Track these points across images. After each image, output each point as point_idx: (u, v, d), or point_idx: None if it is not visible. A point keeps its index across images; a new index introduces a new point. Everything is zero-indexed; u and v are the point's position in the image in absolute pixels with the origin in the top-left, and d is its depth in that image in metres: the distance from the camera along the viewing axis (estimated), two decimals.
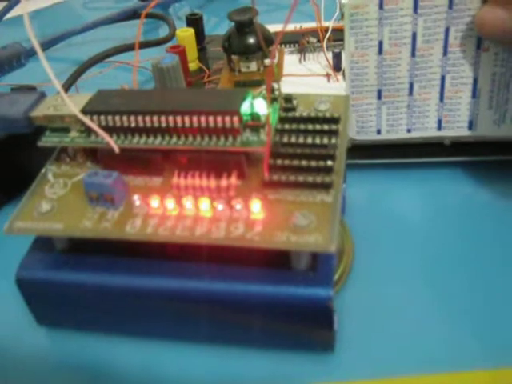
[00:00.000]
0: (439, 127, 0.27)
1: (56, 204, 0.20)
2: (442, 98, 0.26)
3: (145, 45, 0.39)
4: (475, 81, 0.25)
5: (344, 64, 0.26)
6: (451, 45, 0.25)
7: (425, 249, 0.24)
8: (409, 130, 0.27)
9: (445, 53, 0.25)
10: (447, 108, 0.26)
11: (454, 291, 0.22)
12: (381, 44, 0.25)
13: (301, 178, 0.19)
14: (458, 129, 0.27)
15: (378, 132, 0.27)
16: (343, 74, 0.33)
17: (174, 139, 0.20)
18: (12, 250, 0.21)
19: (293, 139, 0.20)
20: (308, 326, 0.20)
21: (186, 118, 0.20)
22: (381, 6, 0.24)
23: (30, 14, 0.18)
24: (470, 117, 0.26)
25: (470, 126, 0.26)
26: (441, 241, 0.24)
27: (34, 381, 0.21)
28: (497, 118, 0.26)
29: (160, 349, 0.21)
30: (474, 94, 0.26)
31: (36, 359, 0.21)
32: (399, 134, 0.27)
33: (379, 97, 0.26)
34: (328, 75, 0.33)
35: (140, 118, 0.20)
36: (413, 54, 0.25)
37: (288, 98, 0.22)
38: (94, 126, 0.20)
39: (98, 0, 0.57)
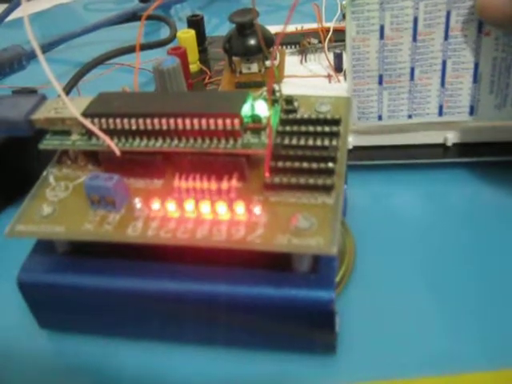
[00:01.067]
0: (440, 113, 0.27)
1: (57, 207, 0.20)
2: (443, 83, 0.26)
3: (146, 47, 0.39)
4: (476, 65, 0.25)
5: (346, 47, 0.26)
6: (452, 29, 0.25)
7: (426, 250, 0.24)
8: (410, 116, 0.27)
9: (446, 37, 0.25)
10: (448, 93, 0.26)
11: (456, 293, 0.22)
12: (382, 29, 0.25)
13: (302, 180, 0.19)
14: (458, 114, 0.27)
15: (379, 118, 0.27)
16: (344, 75, 0.33)
17: (175, 142, 0.20)
18: (13, 253, 0.21)
19: (294, 141, 0.20)
20: (310, 328, 0.19)
21: (187, 121, 0.20)
22: None
23: (30, 16, 0.19)
24: (470, 102, 0.26)
25: (471, 111, 0.26)
26: (443, 242, 0.24)
27: None
28: (498, 102, 0.26)
29: (162, 351, 0.21)
30: (475, 78, 0.26)
31: (38, 362, 0.21)
32: (400, 119, 0.27)
33: (380, 82, 0.26)
34: (329, 76, 0.33)
35: (141, 120, 0.20)
36: (414, 39, 0.25)
37: (289, 100, 0.22)
38: (95, 129, 0.20)
39: (99, 2, 0.58)
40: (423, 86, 0.26)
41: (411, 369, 0.20)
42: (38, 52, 0.19)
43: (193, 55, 0.36)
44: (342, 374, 0.20)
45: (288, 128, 0.21)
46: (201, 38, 0.39)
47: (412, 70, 0.26)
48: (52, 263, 0.21)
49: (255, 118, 0.20)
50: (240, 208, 0.19)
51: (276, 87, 0.22)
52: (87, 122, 0.20)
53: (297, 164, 0.20)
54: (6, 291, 0.22)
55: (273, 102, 0.22)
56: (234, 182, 0.20)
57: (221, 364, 0.20)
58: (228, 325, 0.20)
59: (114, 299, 0.20)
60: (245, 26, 0.32)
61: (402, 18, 0.25)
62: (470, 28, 0.25)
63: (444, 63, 0.26)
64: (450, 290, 0.22)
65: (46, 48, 0.41)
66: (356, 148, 0.28)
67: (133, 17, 0.46)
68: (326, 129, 0.21)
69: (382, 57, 0.26)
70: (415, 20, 0.25)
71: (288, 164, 0.20)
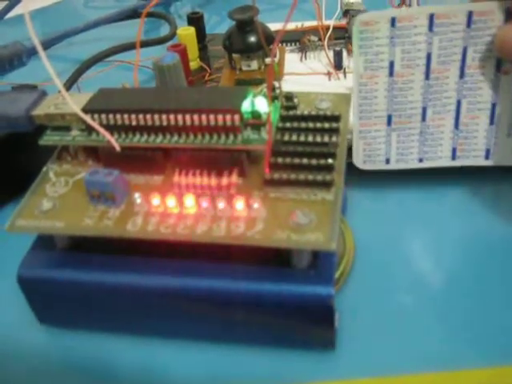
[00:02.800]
0: (453, 156, 0.25)
1: (57, 202, 0.20)
2: (457, 125, 0.24)
3: (146, 44, 0.39)
4: (493, 106, 0.24)
5: (352, 85, 0.24)
6: (469, 66, 0.23)
7: (426, 247, 0.24)
8: (420, 160, 0.25)
9: (461, 75, 0.23)
10: (463, 135, 0.24)
11: (455, 290, 0.22)
12: (392, 65, 0.23)
13: (302, 176, 0.19)
14: (473, 158, 0.25)
15: (387, 161, 0.25)
16: (344, 73, 0.33)
17: (175, 137, 0.20)
18: (13, 249, 0.21)
19: (294, 137, 0.20)
20: (309, 324, 0.20)
21: (187, 117, 0.20)
22: (393, 24, 0.22)
23: (31, 13, 0.18)
24: (487, 145, 0.24)
25: (487, 154, 0.25)
26: (442, 239, 0.24)
27: (35, 380, 0.21)
28: None
29: (162, 347, 0.21)
30: (492, 120, 0.24)
31: (37, 358, 0.21)
32: (410, 163, 0.25)
33: (389, 123, 0.24)
34: (329, 73, 0.33)
35: (141, 116, 0.20)
36: (427, 77, 0.23)
37: (289, 97, 0.22)
38: (95, 125, 0.20)
39: None
40: (436, 128, 0.24)
41: (410, 365, 0.20)
42: (39, 48, 0.19)
43: (193, 52, 0.36)
44: (341, 370, 0.20)
45: (288, 124, 0.21)
46: (201, 35, 0.39)
47: (424, 110, 0.24)
48: (52, 259, 0.21)
49: (255, 114, 0.20)
50: (240, 204, 0.19)
51: (276, 84, 0.22)
52: (87, 118, 0.20)
53: (296, 160, 0.20)
54: (5, 287, 0.22)
55: (273, 98, 0.22)
56: (234, 178, 0.20)
57: (220, 359, 0.20)
58: (227, 320, 0.20)
59: (114, 295, 0.20)
60: (245, 23, 0.32)
61: (413, 54, 0.23)
62: (488, 65, 0.23)
63: (459, 103, 0.24)
64: (449, 286, 0.22)
65: (46, 45, 0.41)
66: None
67: (133, 14, 0.46)
68: (326, 125, 0.21)
69: (392, 95, 0.24)
70: (428, 56, 0.23)
71: (288, 160, 0.20)
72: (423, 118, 0.24)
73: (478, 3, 0.22)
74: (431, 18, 0.22)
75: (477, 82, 0.23)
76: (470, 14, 0.22)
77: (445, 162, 0.25)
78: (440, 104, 0.24)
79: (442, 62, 0.23)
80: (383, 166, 0.25)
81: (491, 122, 0.24)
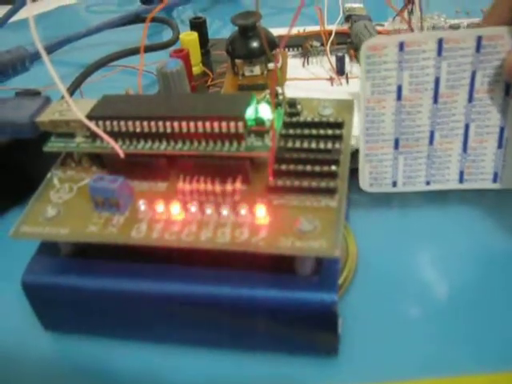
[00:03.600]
0: (461, 179, 0.25)
1: (62, 209, 0.20)
2: (465, 149, 0.24)
3: (149, 49, 0.39)
4: (502, 130, 0.24)
5: (359, 109, 0.24)
6: (477, 91, 0.23)
7: (429, 252, 0.24)
8: (428, 183, 0.25)
9: (470, 99, 0.23)
10: (470, 159, 0.24)
11: (457, 298, 0.22)
12: (400, 89, 0.23)
13: (305, 183, 0.19)
14: (481, 181, 0.25)
15: (394, 184, 0.25)
16: (346, 78, 0.33)
17: (179, 144, 0.20)
18: (18, 255, 0.21)
19: (297, 144, 0.21)
20: (312, 330, 0.20)
21: (191, 124, 0.20)
22: (401, 48, 0.22)
23: (33, 18, 0.19)
24: (494, 168, 0.24)
25: (495, 178, 0.25)
26: (446, 243, 0.24)
27: None
28: None
29: (165, 353, 0.21)
30: (500, 143, 0.24)
31: (42, 364, 0.21)
32: (417, 186, 0.25)
33: (396, 146, 0.24)
34: (331, 79, 0.33)
35: (145, 123, 0.20)
36: (435, 101, 0.23)
37: (292, 103, 0.22)
38: (100, 132, 0.20)
39: (102, 4, 0.58)
40: (443, 151, 0.24)
41: (411, 371, 0.20)
42: (43, 53, 0.19)
43: (195, 57, 0.37)
44: (344, 376, 0.20)
45: (291, 131, 0.21)
46: (203, 40, 0.39)
47: (431, 133, 0.24)
48: (56, 265, 0.21)
49: (259, 121, 0.20)
50: (244, 211, 0.19)
51: (279, 90, 0.22)
52: (92, 125, 0.21)
53: (300, 167, 0.20)
54: (10, 293, 0.22)
55: (276, 104, 0.22)
56: (238, 185, 0.20)
57: (223, 366, 0.20)
58: (231, 327, 0.20)
59: (118, 301, 0.20)
60: (248, 29, 0.32)
61: (422, 78, 0.23)
62: (497, 90, 0.23)
63: (467, 127, 0.24)
64: (452, 291, 0.22)
65: (49, 50, 0.41)
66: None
67: (135, 19, 0.46)
68: (329, 132, 0.21)
69: (399, 119, 0.23)
70: (437, 80, 0.23)
71: (291, 167, 0.20)
72: (431, 142, 0.24)
73: (488, 28, 0.22)
74: (440, 42, 0.22)
75: (485, 106, 0.23)
76: (479, 39, 0.22)
77: (452, 184, 0.25)
78: (448, 128, 0.24)
79: (450, 86, 0.23)
80: (390, 189, 0.25)
81: (499, 146, 0.24)
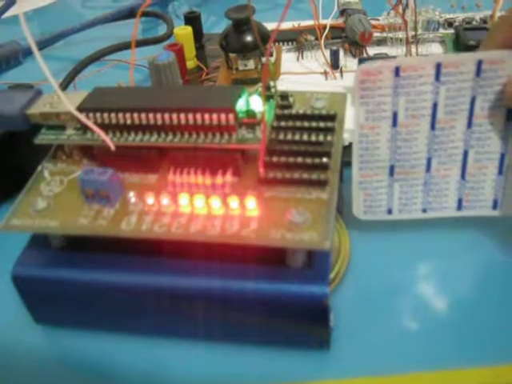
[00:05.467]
0: (459, 207, 0.24)
1: (52, 201, 0.20)
2: (463, 175, 0.23)
3: (143, 43, 0.39)
4: (502, 156, 0.23)
5: (353, 135, 0.23)
6: (477, 116, 0.22)
7: (421, 245, 0.24)
8: (424, 210, 0.24)
9: (469, 125, 0.22)
10: (469, 186, 0.23)
11: (451, 288, 0.22)
12: (395, 115, 0.22)
13: (296, 175, 0.19)
14: (480, 208, 0.24)
15: (389, 212, 0.24)
16: (341, 72, 0.33)
17: (170, 136, 0.20)
18: (8, 248, 0.21)
19: (289, 136, 0.20)
20: (304, 324, 0.20)
21: (182, 116, 0.20)
22: (397, 73, 0.21)
23: (28, 13, 0.19)
24: (494, 195, 0.23)
25: (495, 205, 0.23)
26: (437, 237, 0.24)
27: (31, 380, 0.21)
28: None
29: (156, 346, 0.21)
30: (501, 170, 0.23)
31: (33, 357, 0.21)
32: (413, 214, 0.24)
33: (391, 173, 0.23)
34: (326, 73, 0.33)
35: (136, 115, 0.20)
36: (432, 127, 0.22)
37: (284, 96, 0.22)
38: (90, 124, 0.20)
39: None
40: (441, 178, 0.23)
41: (404, 364, 0.20)
42: (34, 48, 0.18)
43: (190, 52, 0.36)
44: (336, 369, 0.20)
45: (283, 123, 0.21)
46: (198, 34, 0.39)
47: (428, 160, 0.23)
48: (47, 258, 0.21)
49: (250, 113, 0.20)
50: (234, 203, 0.19)
51: (271, 83, 0.22)
52: (82, 117, 0.20)
53: (291, 159, 0.20)
54: (1, 287, 0.22)
55: (268, 97, 0.22)
56: (229, 177, 0.20)
57: (215, 358, 0.20)
58: (222, 320, 0.20)
59: (109, 293, 0.20)
60: (241, 23, 0.32)
61: (419, 104, 0.22)
62: (497, 115, 0.22)
63: (466, 153, 0.22)
64: (445, 285, 0.22)
65: (44, 44, 0.41)
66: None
67: (130, 14, 0.46)
68: (321, 124, 0.21)
69: (395, 146, 0.22)
70: (434, 106, 0.22)
71: (283, 159, 0.20)
72: (428, 169, 0.23)
73: (488, 52, 0.21)
74: (438, 67, 0.21)
75: (485, 132, 0.22)
76: (479, 63, 0.21)
77: (450, 212, 0.24)
78: (446, 154, 0.23)
79: (449, 111, 0.22)
80: (385, 217, 0.24)
81: (499, 172, 0.23)
